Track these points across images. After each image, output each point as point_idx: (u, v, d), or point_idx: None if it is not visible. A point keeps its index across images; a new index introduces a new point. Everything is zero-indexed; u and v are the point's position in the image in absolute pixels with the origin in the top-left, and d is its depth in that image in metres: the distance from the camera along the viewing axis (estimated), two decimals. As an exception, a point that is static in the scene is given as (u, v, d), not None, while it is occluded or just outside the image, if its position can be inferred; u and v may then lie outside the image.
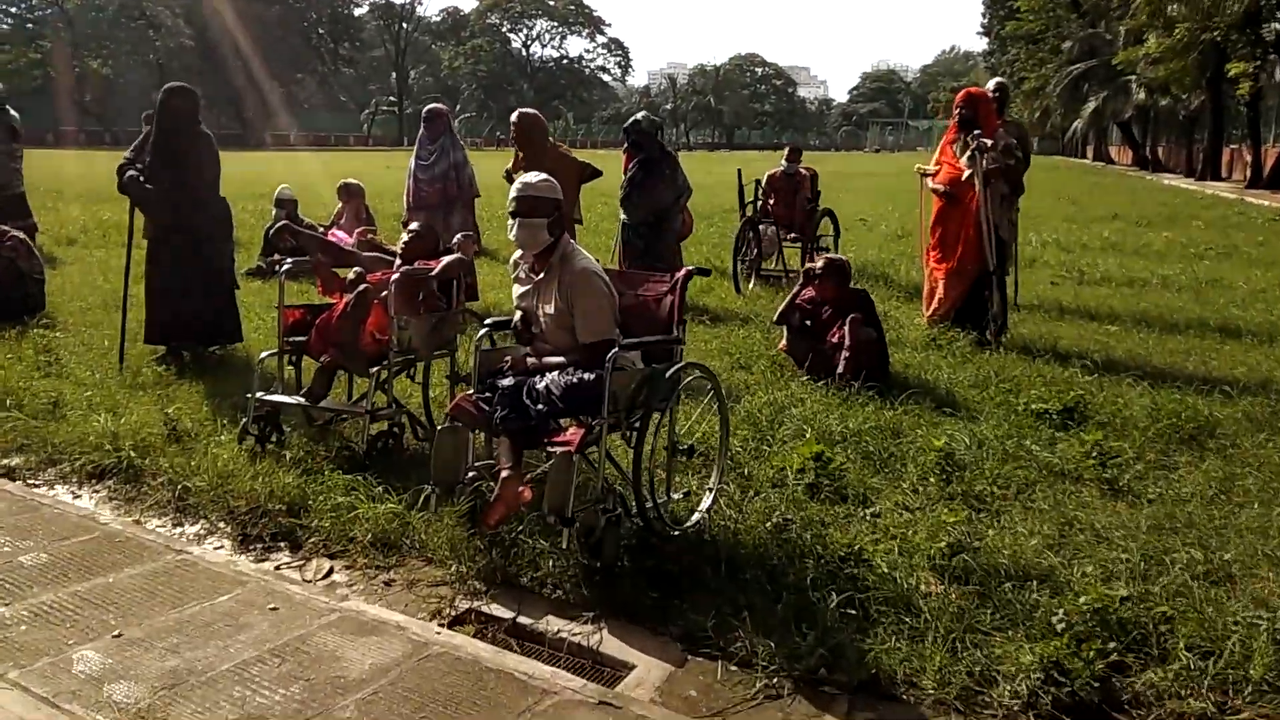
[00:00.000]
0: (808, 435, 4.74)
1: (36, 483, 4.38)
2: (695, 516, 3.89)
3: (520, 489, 3.50)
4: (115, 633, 2.72)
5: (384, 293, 4.43)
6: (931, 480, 4.24)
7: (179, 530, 3.90)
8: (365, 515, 3.82)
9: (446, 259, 4.66)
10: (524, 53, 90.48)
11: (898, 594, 3.20)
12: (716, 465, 4.09)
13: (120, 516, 4.00)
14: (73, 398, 5.31)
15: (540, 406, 3.56)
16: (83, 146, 46.19)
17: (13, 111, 11.94)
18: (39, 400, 5.24)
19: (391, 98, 79.59)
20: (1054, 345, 6.93)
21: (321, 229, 10.35)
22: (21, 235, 7.93)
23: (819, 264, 6.33)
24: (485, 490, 3.83)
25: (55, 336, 6.64)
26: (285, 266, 4.78)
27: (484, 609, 3.26)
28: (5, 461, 4.57)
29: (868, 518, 3.90)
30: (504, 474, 3.52)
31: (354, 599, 3.32)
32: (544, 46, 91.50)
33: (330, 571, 3.59)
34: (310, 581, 3.50)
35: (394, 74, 79.06)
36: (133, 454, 4.48)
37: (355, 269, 4.67)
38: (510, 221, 3.80)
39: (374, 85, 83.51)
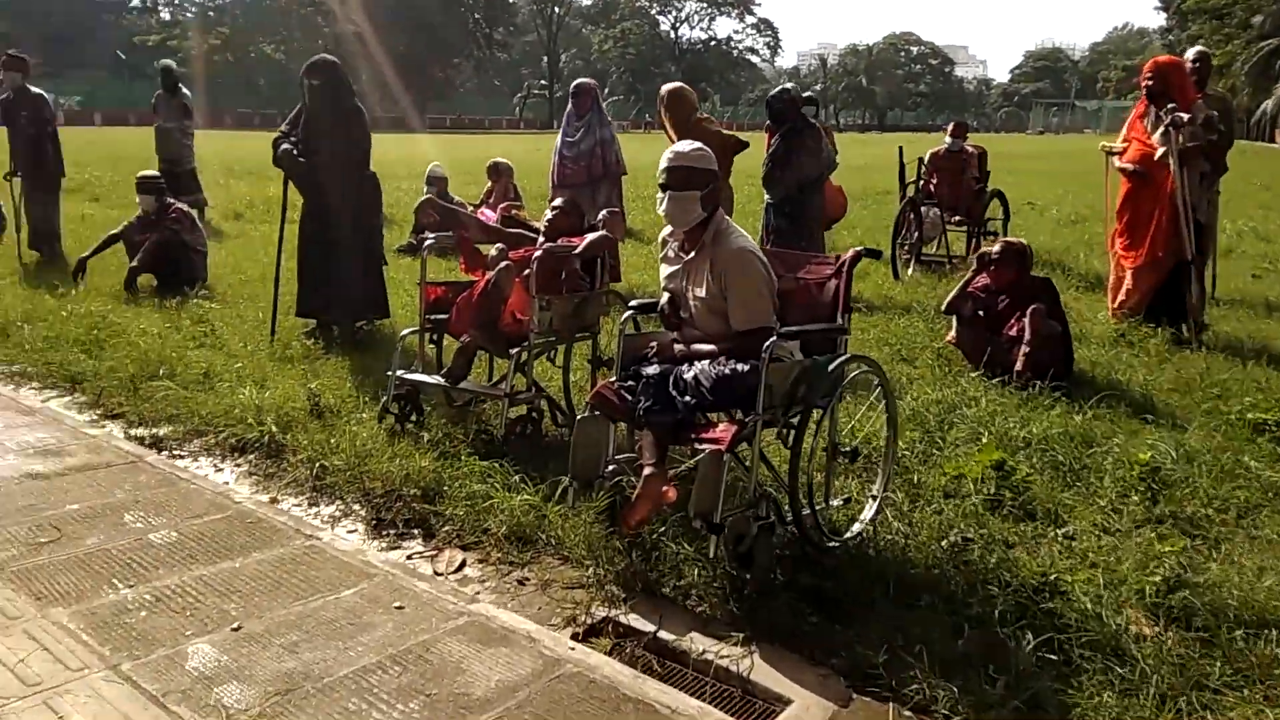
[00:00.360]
0: (984, 440, 4.23)
1: (181, 454, 4.37)
2: (857, 527, 3.49)
3: (664, 488, 3.18)
4: (235, 625, 2.57)
5: (525, 271, 4.19)
6: (1134, 499, 3.68)
7: (314, 510, 3.79)
8: (501, 506, 3.59)
9: (591, 236, 4.39)
10: (672, 35, 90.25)
11: (1104, 636, 2.72)
12: (882, 470, 3.66)
13: (256, 494, 3.92)
14: (223, 369, 5.34)
15: (687, 398, 3.23)
16: (256, 128, 48.84)
17: (186, 91, 12.50)
18: (191, 371, 5.29)
19: (542, 81, 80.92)
20: (1264, 347, 6.10)
21: (471, 207, 10.35)
22: (186, 208, 8.18)
23: (996, 247, 5.74)
24: (626, 486, 3.54)
25: (212, 308, 6.77)
26: (428, 242, 4.62)
27: (622, 619, 2.96)
28: (155, 431, 4.60)
29: (1061, 540, 3.39)
30: (646, 471, 3.21)
31: (485, 597, 3.09)
32: (692, 28, 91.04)
33: (463, 564, 3.38)
34: (442, 575, 3.30)
35: (545, 58, 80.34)
36: (274, 429, 4.42)
37: (497, 246, 4.46)
38: (660, 195, 3.47)
39: (526, 69, 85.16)
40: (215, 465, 4.25)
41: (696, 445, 3.28)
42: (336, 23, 61.90)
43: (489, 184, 11.15)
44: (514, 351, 4.20)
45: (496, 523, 3.53)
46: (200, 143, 12.41)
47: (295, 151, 6.12)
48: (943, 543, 3.32)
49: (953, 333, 5.73)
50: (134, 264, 7.59)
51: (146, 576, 2.83)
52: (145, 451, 4.01)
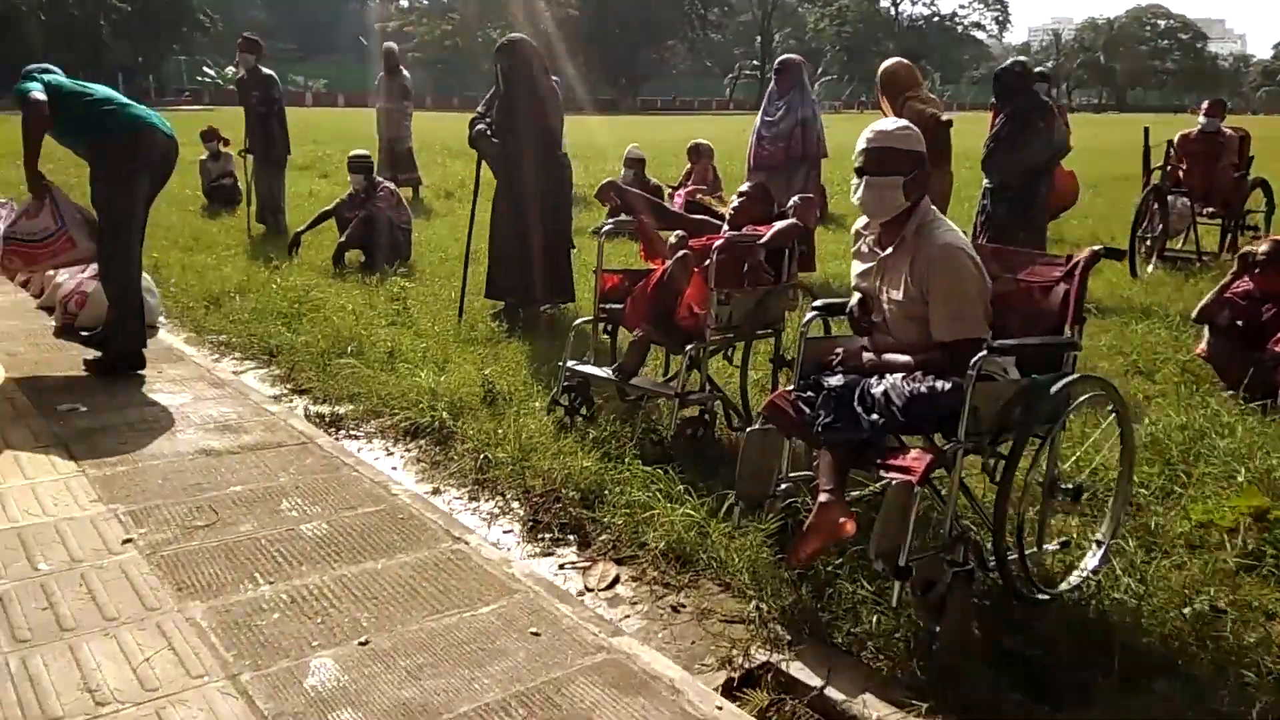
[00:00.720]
0: (1240, 480, 3.52)
1: (356, 434, 4.36)
2: (1075, 578, 2.94)
3: (841, 519, 2.77)
4: (363, 639, 2.40)
5: (705, 261, 3.86)
6: None
7: (473, 505, 3.64)
8: (661, 518, 3.30)
9: (780, 225, 3.99)
10: (892, 10, 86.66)
11: None
12: (1111, 511, 3.08)
13: (420, 482, 3.83)
14: (408, 349, 5.35)
15: (875, 417, 2.79)
16: (477, 110, 50.84)
17: (405, 73, 12.98)
18: (378, 349, 5.32)
19: (755, 61, 79.91)
20: None
21: (668, 190, 10.12)
22: (393, 187, 8.39)
23: (1263, 246, 4.86)
24: (800, 509, 3.16)
25: (409, 286, 6.87)
26: (605, 226, 4.37)
27: (784, 667, 2.59)
28: (336, 409, 4.64)
29: (1346, 621, 2.71)
30: (822, 498, 2.81)
31: (633, 623, 2.81)
32: (914, 3, 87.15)
33: (615, 580, 3.11)
34: (592, 591, 3.05)
35: (759, 37, 79.23)
36: (446, 415, 4.33)
37: (677, 233, 4.14)
38: (855, 181, 3.04)
39: (739, 49, 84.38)
40: (386, 449, 4.21)
41: (883, 472, 2.84)
42: (558, 7, 63.66)
43: (688, 166, 10.88)
44: (688, 348, 3.88)
45: (655, 536, 3.24)
46: (424, 124, 12.86)
47: (489, 132, 6.07)
48: (1185, 610, 2.72)
49: (1204, 344, 4.91)
50: (342, 239, 7.87)
51: (288, 573, 2.73)
52: (317, 433, 4.00)
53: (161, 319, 5.89)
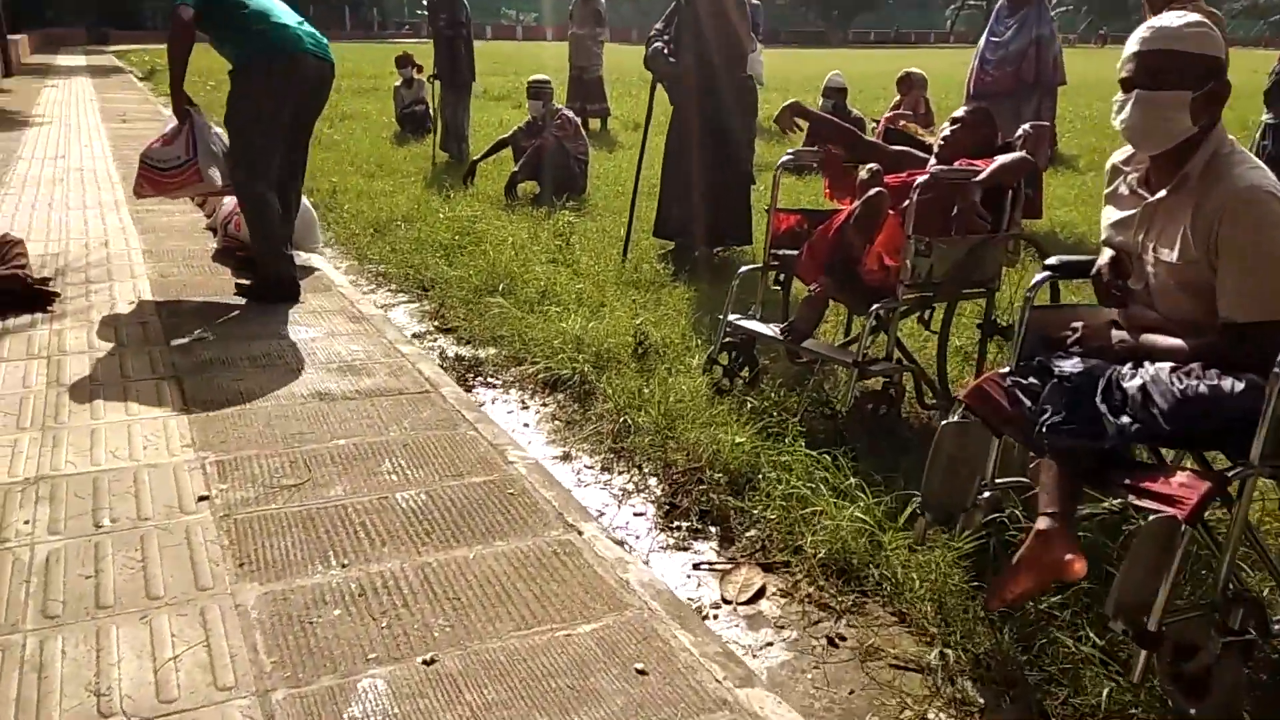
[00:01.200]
0: None
1: (495, 381, 3.95)
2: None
3: (1067, 557, 2.04)
4: (428, 656, 1.94)
5: (904, 202, 3.12)
6: None
7: (603, 478, 3.13)
8: (825, 518, 2.66)
9: (1003, 159, 3.18)
10: (1144, -68, 77.88)
11: None
12: None
13: (548, 444, 3.36)
14: (563, 289, 4.89)
15: (1126, 420, 2.03)
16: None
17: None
18: (531, 288, 4.89)
19: (980, -10, 74.29)
20: None
21: (873, 124, 9.16)
22: (571, 115, 7.92)
23: None
24: (1006, 525, 2.45)
25: (576, 220, 6.41)
26: (784, 158, 3.68)
27: (971, 748, 1.93)
28: (478, 352, 4.25)
29: None
30: (1041, 523, 2.08)
31: (775, 654, 2.22)
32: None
33: (760, 593, 2.52)
34: (730, 603, 2.47)
35: (986, -36, 73.52)
36: (588, 368, 3.83)
37: (869, 166, 3.40)
38: (1118, 98, 2.22)
39: (963, -23, 78.62)
40: (521, 401, 3.76)
41: (1131, 499, 2.07)
42: (768, -66, 61.21)
43: (897, 98, 9.82)
44: (875, 307, 3.17)
45: (815, 541, 2.61)
46: (615, 54, 12.36)
47: (665, 52, 5.47)
48: None
49: None
50: (515, 169, 7.50)
51: (366, 555, 2.31)
52: (444, 380, 3.59)
53: (319, 244, 5.68)
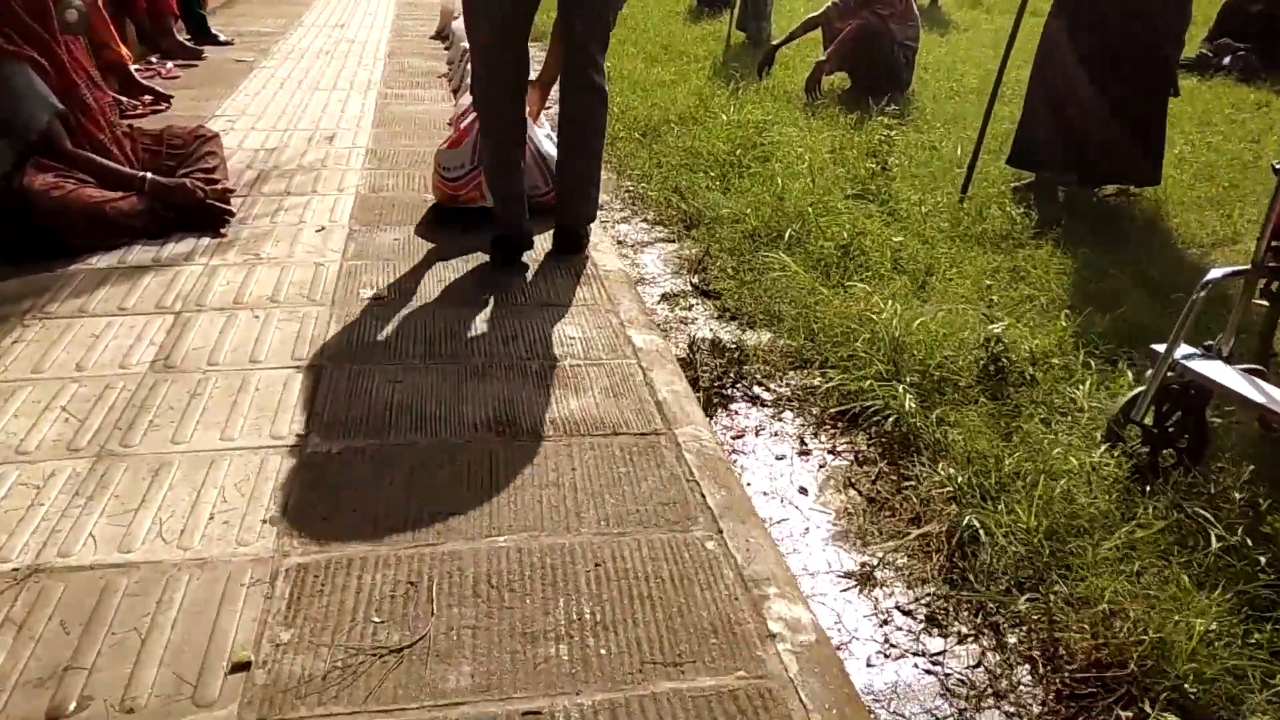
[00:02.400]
0: None
1: (764, 396, 2.68)
2: None
3: None
4: None
5: None
6: None
7: (934, 647, 1.81)
8: None
9: None
10: None
11: None
12: None
13: (833, 546, 2.07)
14: (872, 243, 3.47)
15: None
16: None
17: None
18: (828, 240, 3.50)
19: None
20: None
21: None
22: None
23: None
24: None
25: (896, 133, 4.83)
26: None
27: None
28: (744, 336, 2.99)
29: None
30: None
31: None
32: None
33: None
34: None
35: None
36: (909, 402, 2.46)
37: None
38: None
39: None
40: (798, 442, 2.47)
41: None
42: None
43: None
44: None
45: None
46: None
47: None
48: None
49: None
50: (821, 58, 5.97)
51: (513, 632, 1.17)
52: (684, 412, 2.34)
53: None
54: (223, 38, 6.85)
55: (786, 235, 3.52)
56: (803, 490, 2.28)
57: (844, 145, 4.74)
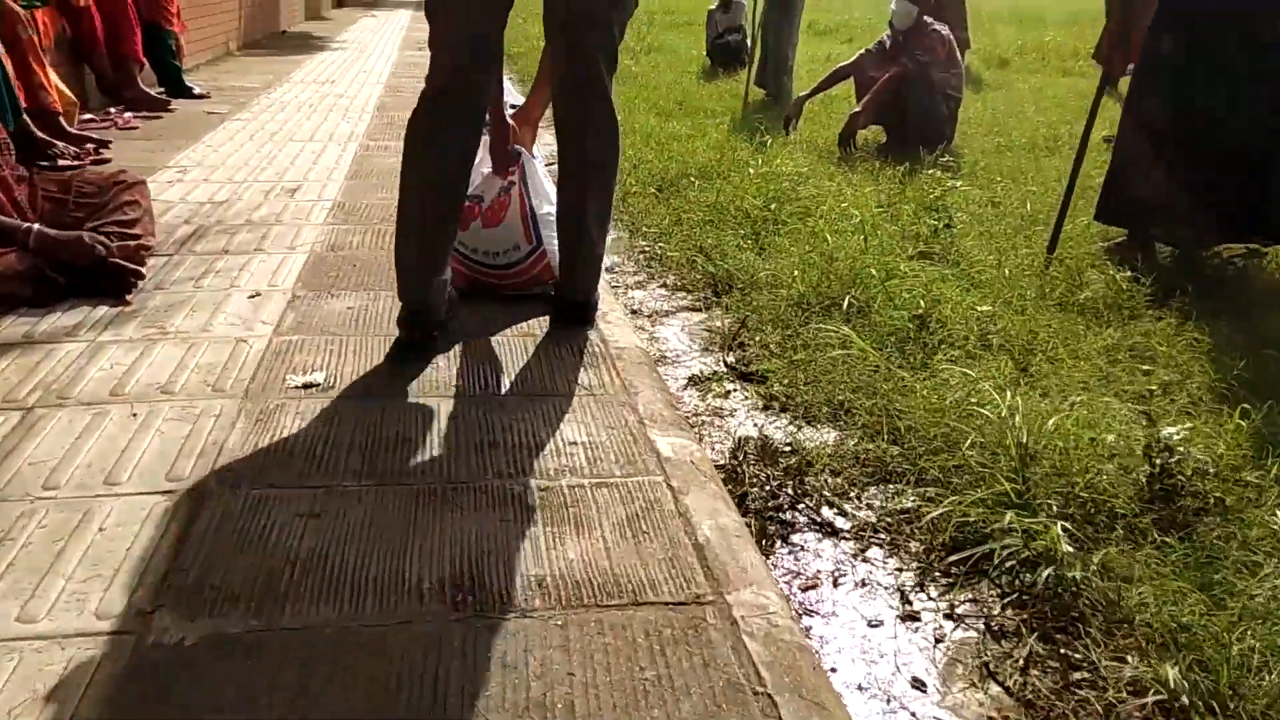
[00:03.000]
0: None
1: (844, 528, 1.92)
2: None
3: None
4: None
5: None
6: None
7: None
8: None
9: None
10: None
11: None
12: None
13: (937, 709, 1.31)
14: (954, 312, 2.76)
15: None
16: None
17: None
18: (897, 307, 2.79)
19: None
20: None
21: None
22: (945, 32, 5.54)
23: None
24: None
25: (953, 186, 4.15)
26: None
27: None
28: (801, 435, 2.25)
29: None
30: None
31: None
32: None
33: None
34: None
35: None
36: (1064, 543, 1.70)
37: None
38: None
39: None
40: (897, 599, 1.71)
41: None
42: None
43: None
44: None
45: None
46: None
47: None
48: None
49: None
50: (857, 109, 5.33)
51: None
52: (732, 565, 1.59)
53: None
54: (197, 90, 6.27)
55: (845, 303, 2.79)
56: (918, 684, 1.51)
57: (897, 202, 4.06)
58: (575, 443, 1.87)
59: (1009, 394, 2.08)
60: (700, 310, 3.12)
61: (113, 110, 5.37)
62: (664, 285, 3.37)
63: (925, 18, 5.44)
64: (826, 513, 1.97)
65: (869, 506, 1.99)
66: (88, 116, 5.14)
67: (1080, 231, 3.64)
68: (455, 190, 2.20)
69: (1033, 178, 4.71)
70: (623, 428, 1.95)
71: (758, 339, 2.80)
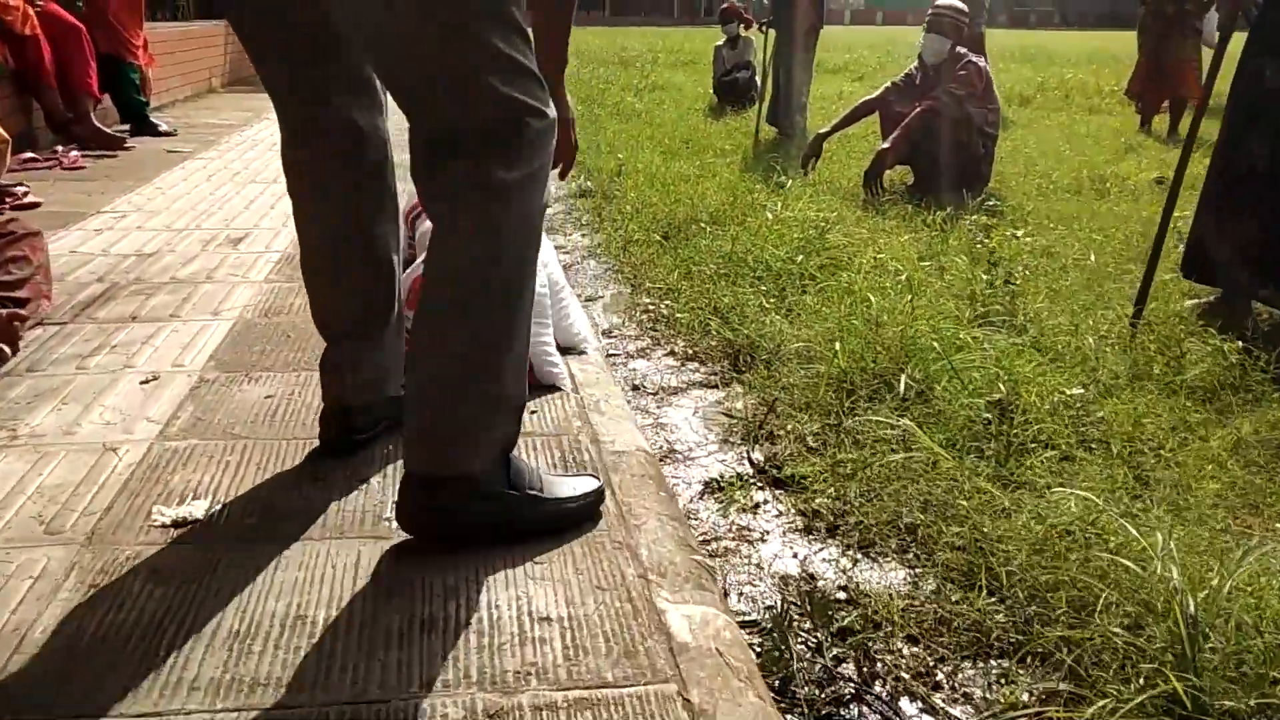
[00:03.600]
0: None
1: (926, 711, 1.34)
2: None
3: None
4: None
5: None
6: None
7: None
8: None
9: None
10: None
11: None
12: None
13: None
14: (1037, 394, 2.18)
15: None
16: (1054, 26, 44.76)
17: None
18: (960, 387, 2.22)
19: None
20: None
21: None
22: (982, 63, 5.02)
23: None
24: None
25: (1000, 233, 3.60)
26: None
27: None
28: (858, 571, 1.67)
29: None
30: None
31: None
32: None
33: None
34: None
35: None
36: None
37: None
38: None
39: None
40: None
41: None
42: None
43: None
44: None
45: None
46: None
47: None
48: None
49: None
50: (884, 145, 4.80)
51: None
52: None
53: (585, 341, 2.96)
54: (163, 127, 5.78)
55: (904, 384, 2.22)
56: None
57: (936, 250, 3.51)
58: (548, 619, 1.29)
59: (1159, 535, 1.49)
60: (716, 387, 2.55)
61: (59, 149, 4.86)
62: (672, 353, 2.81)
63: (959, 49, 4.93)
64: (907, 707, 1.38)
65: (966, 698, 1.40)
66: (29, 156, 4.62)
67: (1159, 289, 3.08)
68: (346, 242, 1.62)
69: (1088, 223, 4.17)
70: (618, 588, 1.37)
71: (790, 428, 2.23)
